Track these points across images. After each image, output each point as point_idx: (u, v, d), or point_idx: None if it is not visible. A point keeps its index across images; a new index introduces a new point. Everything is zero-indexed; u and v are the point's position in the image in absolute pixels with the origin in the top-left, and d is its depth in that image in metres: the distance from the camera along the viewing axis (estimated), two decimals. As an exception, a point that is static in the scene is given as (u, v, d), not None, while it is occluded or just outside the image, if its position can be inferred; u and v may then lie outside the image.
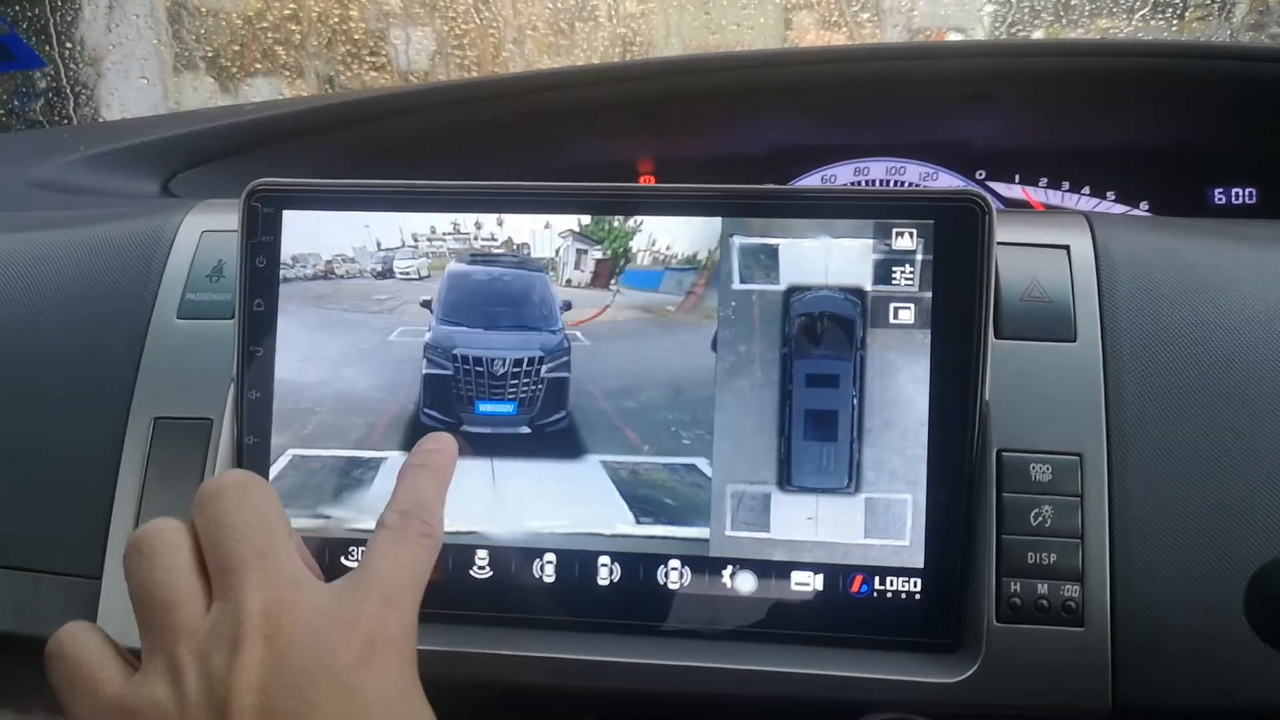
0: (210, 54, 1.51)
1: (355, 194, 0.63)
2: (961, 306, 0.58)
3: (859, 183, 1.09)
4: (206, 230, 0.68)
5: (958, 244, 0.58)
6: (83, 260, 0.69)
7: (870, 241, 0.59)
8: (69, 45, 1.41)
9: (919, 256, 0.58)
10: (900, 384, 0.58)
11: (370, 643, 0.44)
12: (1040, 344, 0.60)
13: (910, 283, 0.58)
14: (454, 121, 1.01)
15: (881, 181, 1.09)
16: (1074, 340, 0.59)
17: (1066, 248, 0.62)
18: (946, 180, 1.08)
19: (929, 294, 0.58)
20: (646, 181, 1.11)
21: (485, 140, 1.05)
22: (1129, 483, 0.56)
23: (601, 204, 0.61)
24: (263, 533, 0.47)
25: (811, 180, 1.09)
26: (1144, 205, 1.06)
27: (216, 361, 0.63)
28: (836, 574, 0.58)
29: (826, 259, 0.59)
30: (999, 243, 0.60)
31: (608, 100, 1.02)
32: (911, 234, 0.58)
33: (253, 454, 0.62)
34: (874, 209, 0.59)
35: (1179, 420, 0.57)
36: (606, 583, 0.60)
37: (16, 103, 1.49)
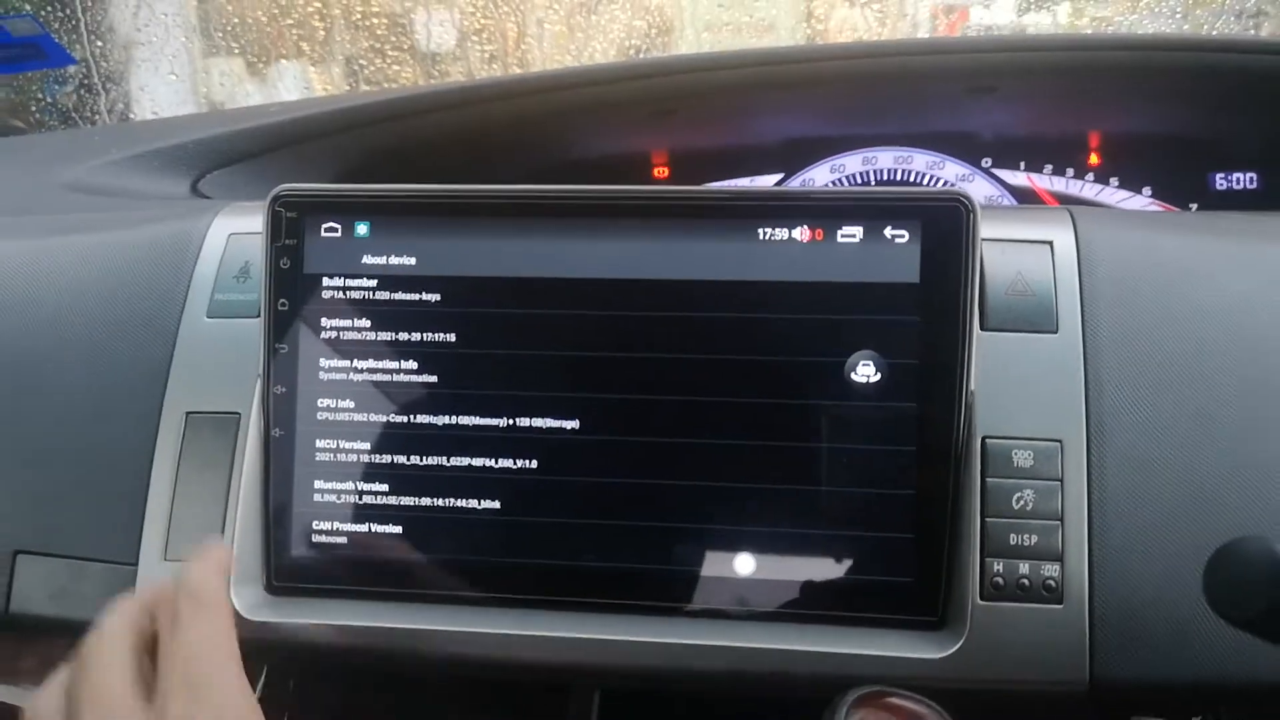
0: (237, 50, 1.55)
1: (376, 200, 0.66)
2: (948, 301, 0.60)
3: (867, 172, 1.11)
4: (233, 233, 0.72)
5: (944, 242, 0.61)
6: (117, 262, 0.73)
7: (861, 237, 0.62)
8: (99, 44, 1.45)
9: (908, 253, 0.61)
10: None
11: None
12: (1024, 335, 0.62)
13: (900, 278, 0.61)
14: (473, 119, 1.04)
15: (889, 170, 1.11)
16: (1056, 332, 0.62)
17: (1050, 243, 0.65)
18: (953, 169, 1.10)
19: (918, 289, 0.61)
20: (660, 173, 1.14)
21: (503, 136, 1.08)
22: (1106, 467, 0.59)
23: (613, 207, 0.64)
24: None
25: (820, 170, 1.12)
26: (1146, 191, 1.08)
27: (244, 358, 0.67)
28: (827, 553, 0.61)
29: (819, 256, 0.62)
30: (985, 239, 0.63)
31: (622, 98, 1.05)
32: (901, 231, 0.61)
33: (279, 446, 0.65)
34: (864, 211, 0.62)
35: (1155, 407, 0.60)
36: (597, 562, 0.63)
37: (49, 96, 1.52)
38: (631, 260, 0.64)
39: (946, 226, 0.61)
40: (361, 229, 0.66)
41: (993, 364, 0.61)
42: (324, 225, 0.66)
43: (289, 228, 0.66)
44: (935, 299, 0.61)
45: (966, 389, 0.60)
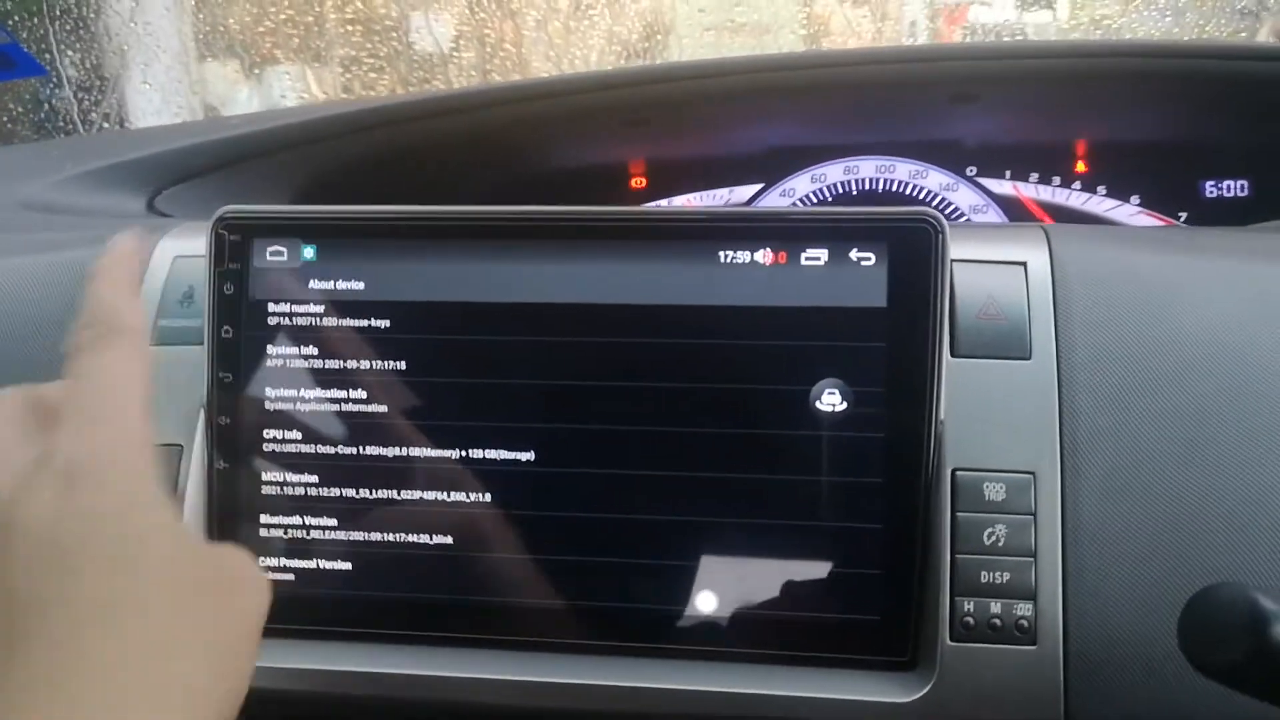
0: (211, 58, 1.53)
1: (321, 223, 0.63)
2: (917, 326, 0.58)
3: (849, 181, 1.09)
4: (179, 256, 0.69)
5: (912, 264, 0.58)
6: (58, 286, 0.70)
7: (825, 260, 0.59)
8: (70, 53, 1.43)
9: (874, 275, 0.59)
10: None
11: (68, 475, 0.40)
12: (995, 362, 0.60)
13: (866, 302, 0.59)
14: (443, 130, 1.02)
15: (871, 180, 1.09)
16: (1029, 358, 0.59)
17: (1023, 264, 0.62)
18: (937, 178, 1.08)
19: (885, 313, 0.58)
20: (637, 183, 1.12)
21: (475, 148, 1.05)
22: (1081, 500, 0.57)
23: (567, 229, 0.62)
24: None
25: (801, 179, 1.10)
26: (1135, 199, 1.06)
27: (188, 388, 0.64)
28: (792, 593, 0.59)
29: (783, 279, 0.60)
30: (955, 260, 0.60)
31: (596, 108, 1.02)
32: (867, 254, 0.59)
33: (223, 479, 0.63)
34: (828, 232, 0.59)
35: (1133, 436, 0.58)
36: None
37: (46, 102, 1.51)
38: (586, 283, 0.61)
39: (914, 248, 0.58)
40: (308, 252, 0.63)
41: (963, 392, 0.59)
42: (269, 249, 0.63)
43: (233, 251, 0.63)
44: (903, 324, 0.58)
45: (936, 418, 0.58)
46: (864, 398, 0.59)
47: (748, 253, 0.60)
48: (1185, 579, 0.54)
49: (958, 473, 0.58)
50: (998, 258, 0.62)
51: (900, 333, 0.58)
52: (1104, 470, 0.57)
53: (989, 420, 0.59)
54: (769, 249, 0.60)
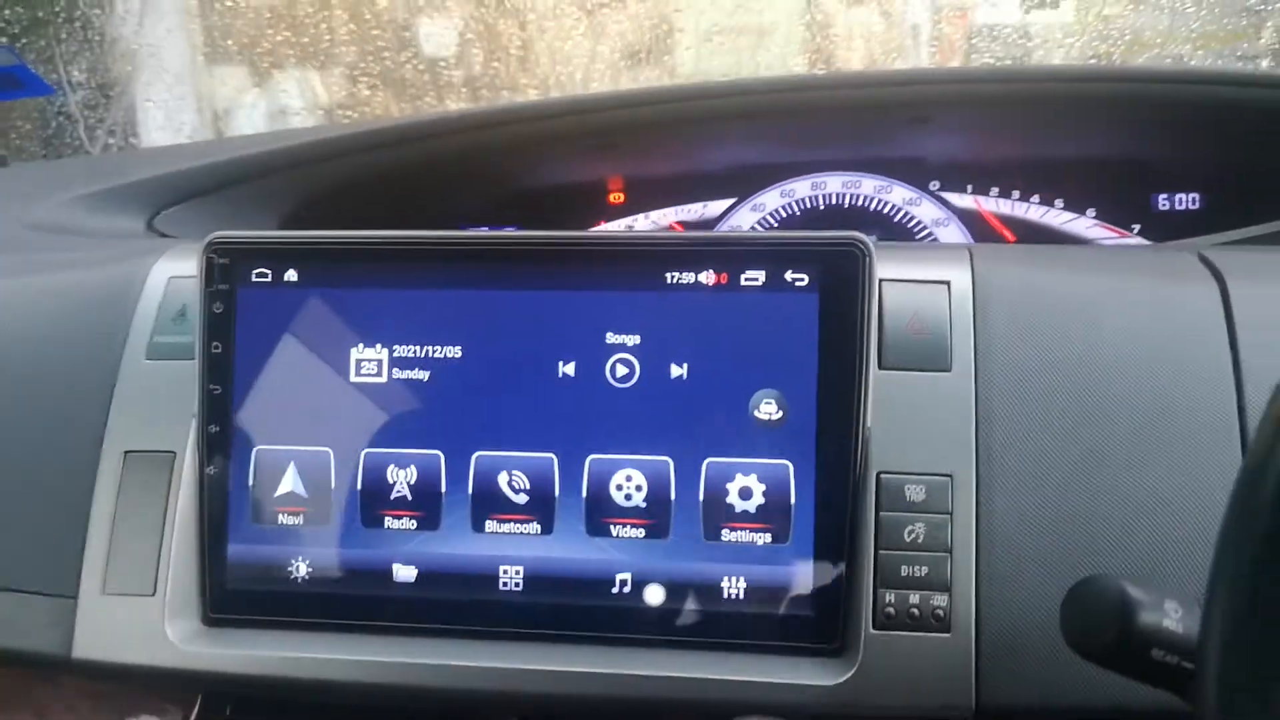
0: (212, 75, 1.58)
1: (303, 248, 0.69)
2: (847, 341, 0.63)
3: (816, 196, 1.14)
4: (173, 276, 0.74)
5: (842, 284, 0.63)
6: (63, 305, 0.76)
7: (763, 281, 0.64)
8: (76, 71, 1.48)
9: (808, 295, 0.64)
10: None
11: None
12: (919, 373, 0.65)
13: (801, 320, 0.64)
14: (424, 153, 1.06)
15: (838, 195, 1.14)
16: (950, 370, 0.65)
17: (947, 283, 0.67)
18: (900, 193, 1.13)
19: (818, 330, 0.64)
20: (615, 199, 1.16)
21: (456, 169, 1.10)
22: (994, 500, 0.62)
23: (531, 252, 0.67)
24: None
25: (771, 194, 1.14)
26: (1090, 212, 1.10)
27: (181, 399, 0.69)
28: (729, 584, 0.64)
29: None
30: (884, 279, 0.66)
31: (571, 131, 1.07)
32: (801, 275, 0.64)
33: (212, 483, 0.68)
34: (765, 255, 0.64)
35: (1044, 443, 0.63)
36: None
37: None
38: (544, 304, 0.67)
39: (844, 269, 0.63)
40: (291, 275, 0.69)
41: (889, 401, 0.64)
42: (255, 271, 0.69)
43: (222, 274, 0.69)
44: (834, 340, 0.63)
45: (863, 426, 0.63)
46: (798, 407, 0.64)
47: (692, 274, 0.65)
48: (1081, 573, 0.59)
49: (882, 475, 0.63)
50: (923, 277, 0.68)
51: (831, 347, 0.64)
52: (1015, 473, 0.62)
53: (912, 427, 0.64)
54: (712, 270, 0.65)
